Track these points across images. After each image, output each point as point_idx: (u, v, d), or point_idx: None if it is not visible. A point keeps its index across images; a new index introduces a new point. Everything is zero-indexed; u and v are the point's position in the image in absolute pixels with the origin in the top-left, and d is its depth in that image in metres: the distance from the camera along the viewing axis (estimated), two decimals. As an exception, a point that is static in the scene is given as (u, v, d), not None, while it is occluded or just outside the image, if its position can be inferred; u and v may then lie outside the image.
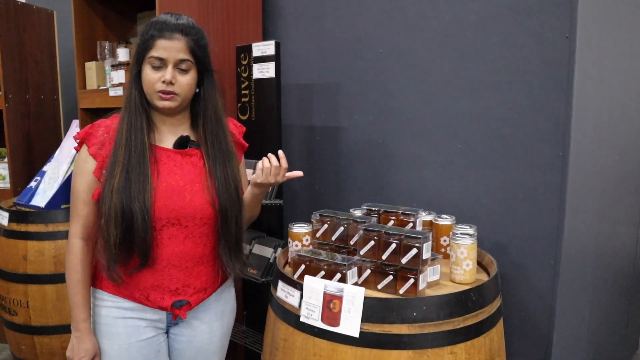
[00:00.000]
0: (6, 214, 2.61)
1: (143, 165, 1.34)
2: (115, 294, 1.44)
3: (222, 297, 1.57)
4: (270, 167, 1.44)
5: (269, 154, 1.46)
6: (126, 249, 1.35)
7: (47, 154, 3.06)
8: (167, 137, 1.45)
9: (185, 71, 1.37)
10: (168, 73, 1.34)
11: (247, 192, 1.54)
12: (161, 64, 1.35)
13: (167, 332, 1.52)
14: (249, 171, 2.18)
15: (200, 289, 1.47)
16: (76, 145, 1.43)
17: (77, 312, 1.42)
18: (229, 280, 1.60)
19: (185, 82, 1.37)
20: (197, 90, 1.43)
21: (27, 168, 3.15)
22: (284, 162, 1.46)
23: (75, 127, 2.90)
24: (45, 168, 2.81)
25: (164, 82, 1.35)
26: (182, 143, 1.43)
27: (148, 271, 1.40)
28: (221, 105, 1.47)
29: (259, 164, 1.46)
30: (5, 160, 3.10)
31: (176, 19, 1.36)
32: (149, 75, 1.36)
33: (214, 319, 1.55)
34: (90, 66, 2.62)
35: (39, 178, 2.77)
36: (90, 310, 1.45)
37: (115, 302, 1.44)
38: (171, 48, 1.34)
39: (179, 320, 1.51)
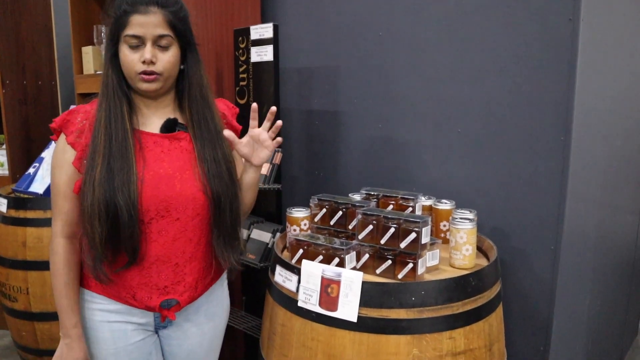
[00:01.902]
0: (5, 201, 2.60)
1: (126, 153, 1.22)
2: (100, 293, 1.33)
3: (214, 296, 1.47)
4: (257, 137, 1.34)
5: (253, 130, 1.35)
6: (113, 246, 1.23)
7: (45, 140, 3.04)
8: (152, 121, 1.33)
9: (165, 48, 1.25)
10: (147, 52, 1.22)
11: (244, 173, 1.42)
12: (139, 42, 1.23)
13: (156, 334, 1.43)
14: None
15: (191, 287, 1.35)
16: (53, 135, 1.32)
17: (65, 318, 1.30)
18: (221, 278, 1.50)
19: (167, 59, 1.25)
20: (182, 67, 1.32)
21: (25, 154, 3.14)
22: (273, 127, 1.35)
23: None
24: (43, 154, 2.80)
25: (144, 62, 1.23)
26: (169, 126, 1.32)
27: (135, 268, 1.29)
28: (207, 82, 1.36)
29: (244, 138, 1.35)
30: (3, 147, 3.09)
31: None
32: (127, 56, 1.23)
33: (205, 321, 1.45)
34: (87, 51, 2.59)
35: (37, 164, 2.75)
36: (80, 314, 1.34)
37: (100, 303, 1.33)
38: (147, 23, 1.22)
39: (168, 323, 1.40)
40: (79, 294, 1.34)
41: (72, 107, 2.83)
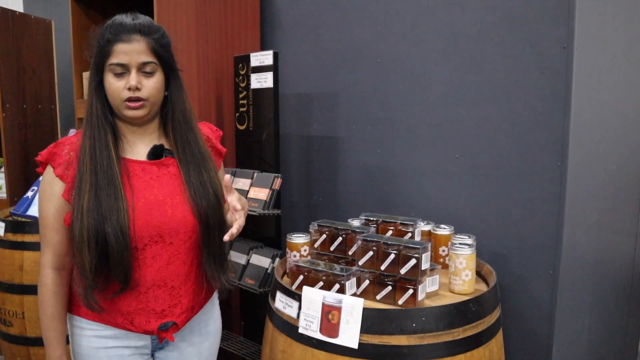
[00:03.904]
0: (2, 224, 2.59)
1: (112, 181, 1.23)
2: (96, 320, 1.32)
3: (207, 315, 1.48)
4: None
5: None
6: (103, 275, 1.23)
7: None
8: (139, 148, 1.34)
9: (150, 74, 1.26)
10: (132, 78, 1.23)
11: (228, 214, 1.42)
12: (123, 70, 1.24)
13: (152, 356, 1.42)
14: (247, 181, 2.17)
15: (187, 308, 1.36)
16: (39, 167, 1.31)
17: (51, 350, 1.30)
18: (213, 296, 1.51)
19: (152, 85, 1.26)
20: (166, 94, 1.33)
21: (24, 178, 3.14)
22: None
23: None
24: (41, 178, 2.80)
25: (129, 88, 1.24)
26: (156, 153, 1.33)
27: (131, 294, 1.28)
28: (190, 107, 1.37)
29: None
30: (2, 170, 3.08)
31: (132, 19, 1.25)
32: (112, 84, 1.24)
33: (201, 340, 1.46)
34: (88, 76, 2.61)
35: (35, 188, 2.75)
36: (66, 344, 1.33)
37: (95, 330, 1.32)
38: (131, 51, 1.23)
39: (165, 344, 1.40)
40: (65, 325, 1.34)
41: (71, 131, 2.85)
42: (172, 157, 1.35)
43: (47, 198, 1.27)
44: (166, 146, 1.35)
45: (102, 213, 1.20)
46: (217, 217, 1.34)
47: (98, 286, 1.24)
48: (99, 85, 1.27)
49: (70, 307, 1.35)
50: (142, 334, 1.33)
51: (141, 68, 1.25)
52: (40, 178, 1.32)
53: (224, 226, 1.36)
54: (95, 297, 1.25)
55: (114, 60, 1.23)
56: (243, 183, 2.18)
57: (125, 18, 1.25)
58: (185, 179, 1.32)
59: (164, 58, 1.28)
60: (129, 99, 1.25)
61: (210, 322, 1.49)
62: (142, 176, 1.30)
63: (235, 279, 2.17)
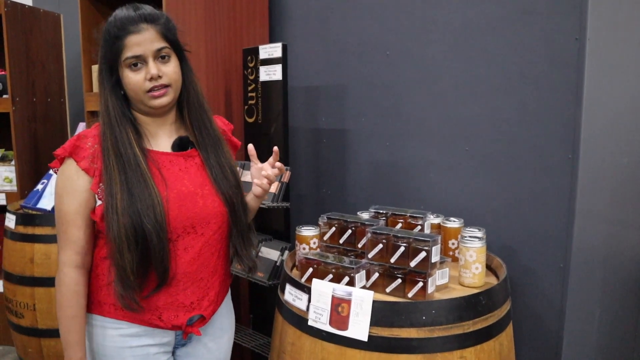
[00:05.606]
0: (13, 217, 2.61)
1: (143, 178, 1.21)
2: (119, 319, 1.28)
3: (226, 309, 1.48)
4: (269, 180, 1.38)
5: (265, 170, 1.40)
6: (144, 272, 1.21)
7: (54, 157, 3.05)
8: (162, 140, 1.33)
9: (166, 59, 1.24)
10: (152, 67, 1.21)
11: (250, 199, 1.44)
12: (139, 61, 1.22)
13: (172, 354, 1.40)
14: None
15: (214, 301, 1.36)
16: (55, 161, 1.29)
17: (72, 353, 1.26)
18: (228, 292, 1.51)
19: (172, 70, 1.25)
20: None
21: (34, 171, 3.15)
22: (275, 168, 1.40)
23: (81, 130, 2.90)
24: (52, 171, 2.81)
25: (151, 78, 1.22)
26: (182, 144, 1.33)
27: (162, 288, 1.26)
28: (201, 90, 1.36)
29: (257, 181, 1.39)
30: (12, 163, 3.10)
31: (135, 10, 1.23)
32: (132, 78, 1.22)
33: (221, 335, 1.46)
34: (97, 70, 2.62)
35: (45, 181, 2.77)
36: (85, 346, 1.29)
37: (119, 329, 1.29)
38: (144, 41, 1.21)
39: (189, 340, 1.39)
40: (85, 326, 1.30)
41: (81, 124, 2.85)
42: (196, 148, 1.35)
43: (69, 193, 1.23)
44: (190, 137, 1.35)
45: (138, 210, 1.18)
46: (239, 197, 1.36)
47: (138, 286, 1.22)
48: (115, 84, 1.25)
49: (90, 307, 1.31)
50: (169, 329, 1.31)
51: (157, 55, 1.23)
52: (52, 171, 1.30)
53: (246, 205, 1.40)
54: (136, 297, 1.22)
55: (128, 54, 1.21)
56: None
57: (126, 11, 1.23)
58: (205, 162, 1.33)
59: (174, 42, 1.27)
60: (153, 89, 1.23)
61: (228, 315, 1.50)
62: (170, 168, 1.29)
63: (244, 272, 2.17)
